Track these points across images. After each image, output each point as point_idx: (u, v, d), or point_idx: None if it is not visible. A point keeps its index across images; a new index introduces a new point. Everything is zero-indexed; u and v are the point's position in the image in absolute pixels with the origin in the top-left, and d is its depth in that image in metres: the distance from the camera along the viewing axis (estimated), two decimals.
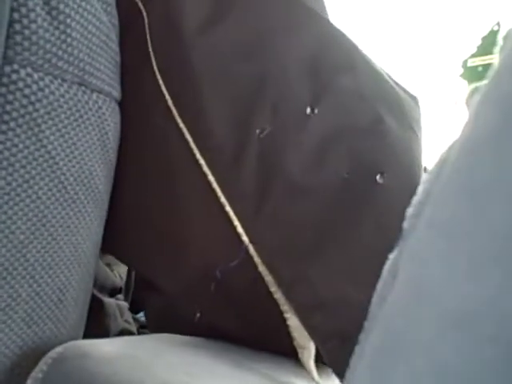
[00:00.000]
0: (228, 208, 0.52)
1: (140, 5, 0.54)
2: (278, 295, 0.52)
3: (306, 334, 0.52)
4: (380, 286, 0.27)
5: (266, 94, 0.54)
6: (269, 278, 0.52)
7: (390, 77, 0.66)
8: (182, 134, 0.52)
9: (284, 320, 0.53)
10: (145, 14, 0.53)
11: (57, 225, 0.47)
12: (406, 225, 0.26)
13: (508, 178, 0.19)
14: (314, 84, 0.56)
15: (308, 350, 0.53)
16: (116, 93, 0.51)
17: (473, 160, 0.20)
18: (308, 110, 0.54)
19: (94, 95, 0.48)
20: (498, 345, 0.17)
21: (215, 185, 0.52)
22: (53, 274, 0.47)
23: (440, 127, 1.57)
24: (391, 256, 0.27)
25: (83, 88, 0.47)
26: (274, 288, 0.52)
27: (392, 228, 0.59)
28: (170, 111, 0.52)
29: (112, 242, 0.56)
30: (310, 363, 0.53)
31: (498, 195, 0.19)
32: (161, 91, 0.53)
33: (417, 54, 1.60)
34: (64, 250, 0.48)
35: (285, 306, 0.52)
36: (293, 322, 0.53)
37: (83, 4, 0.46)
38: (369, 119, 0.57)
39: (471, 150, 0.20)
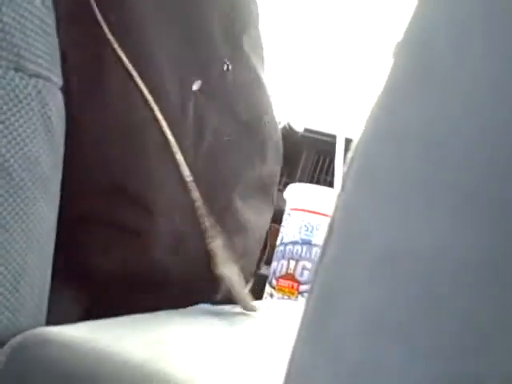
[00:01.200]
0: (178, 156, 0.61)
1: None
2: (205, 225, 0.64)
3: (225, 252, 0.65)
4: (323, 241, 0.28)
5: (197, 51, 0.65)
6: (201, 211, 0.63)
7: None
8: (143, 94, 0.59)
9: (206, 244, 0.65)
10: None
11: (4, 213, 0.46)
12: (339, 184, 0.26)
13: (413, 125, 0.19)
14: (227, 43, 0.69)
15: (227, 263, 0.66)
16: (56, 78, 0.51)
17: (393, 104, 0.20)
18: (225, 67, 0.67)
19: (33, 80, 0.47)
20: (421, 281, 0.17)
21: (170, 137, 0.61)
22: (5, 263, 0.47)
23: None
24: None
25: (20, 74, 0.46)
26: (203, 219, 0.64)
27: (268, 164, 0.78)
28: (130, 75, 0.59)
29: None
30: (235, 269, 0.67)
31: (413, 137, 0.19)
32: (118, 56, 0.59)
33: (367, 32, 1.62)
34: (15, 237, 0.48)
35: (211, 232, 0.64)
36: (214, 244, 0.65)
37: None
38: (255, 79, 0.75)
39: (389, 93, 0.21)
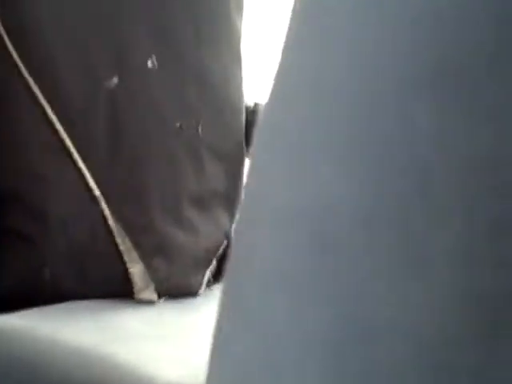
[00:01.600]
0: (81, 164, 0.54)
1: None
2: (124, 247, 0.57)
3: (145, 276, 0.59)
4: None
5: (110, 43, 0.56)
6: (116, 230, 0.57)
7: None
8: (30, 88, 0.52)
9: (126, 268, 0.58)
10: None
11: None
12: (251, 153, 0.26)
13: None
14: (155, 36, 0.60)
15: (148, 290, 0.59)
16: None
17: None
18: (149, 64, 0.58)
19: None
20: (322, 239, 0.17)
21: (67, 141, 0.53)
22: None
23: None
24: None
25: None
26: (120, 239, 0.57)
27: (210, 178, 0.67)
28: (17, 67, 0.52)
29: None
30: (154, 296, 0.60)
31: (304, 84, 0.19)
32: (6, 47, 0.52)
33: None
34: None
35: (130, 255, 0.58)
36: (135, 269, 0.58)
37: None
38: (194, 73, 0.65)
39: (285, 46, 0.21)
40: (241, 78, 0.74)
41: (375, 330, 0.15)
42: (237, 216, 0.25)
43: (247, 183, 0.24)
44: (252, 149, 0.25)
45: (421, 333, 0.15)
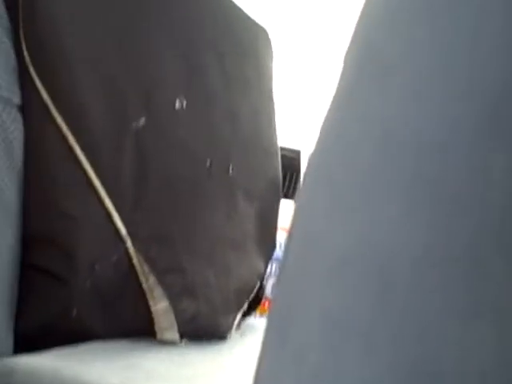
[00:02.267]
0: (108, 203, 0.54)
1: None
2: (147, 285, 0.56)
3: (169, 316, 0.57)
4: (283, 250, 0.27)
5: (139, 82, 0.56)
6: (141, 268, 0.56)
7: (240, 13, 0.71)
8: (58, 126, 0.52)
9: (148, 307, 0.57)
10: (20, 3, 0.51)
11: None
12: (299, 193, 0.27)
13: (365, 105, 0.19)
14: (183, 75, 0.60)
15: (171, 330, 0.58)
16: (16, 98, 0.50)
17: (342, 107, 0.21)
18: (177, 104, 0.58)
19: None
20: (376, 280, 0.17)
21: (95, 180, 0.53)
22: None
23: None
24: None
25: None
26: (143, 278, 0.56)
27: (243, 220, 0.67)
28: (46, 105, 0.52)
29: None
30: (176, 336, 0.59)
31: (366, 137, 0.19)
32: (35, 85, 0.51)
33: (338, 48, 1.63)
34: None
35: (153, 293, 0.57)
36: (158, 307, 0.57)
37: None
38: (224, 113, 0.65)
39: (339, 97, 0.21)
40: (273, 118, 0.74)
41: (443, 372, 0.15)
42: (283, 260, 0.24)
43: (296, 226, 0.24)
44: (302, 192, 0.25)
45: (490, 376, 0.15)
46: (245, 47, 0.70)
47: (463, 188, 0.15)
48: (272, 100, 0.75)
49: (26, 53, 0.51)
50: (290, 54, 1.68)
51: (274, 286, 1.14)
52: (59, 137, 0.52)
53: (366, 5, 0.21)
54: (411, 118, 0.17)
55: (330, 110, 0.22)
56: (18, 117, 0.50)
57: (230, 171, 0.64)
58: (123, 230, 0.55)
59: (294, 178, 1.60)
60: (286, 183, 1.62)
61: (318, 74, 1.72)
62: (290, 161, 1.56)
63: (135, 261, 0.56)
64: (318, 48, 1.68)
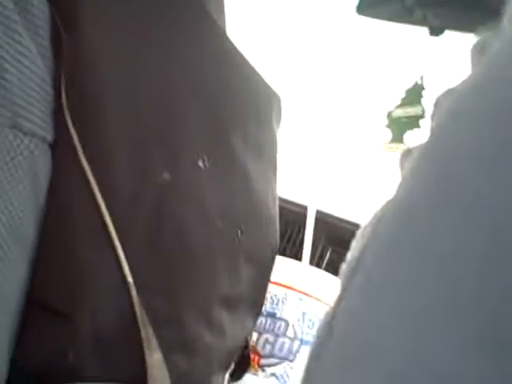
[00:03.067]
0: (120, 251, 0.54)
1: (62, 35, 0.52)
2: (145, 334, 0.56)
3: (162, 369, 0.57)
4: (315, 343, 0.27)
5: (165, 138, 0.58)
6: (141, 318, 0.56)
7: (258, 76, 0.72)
8: (84, 174, 0.53)
9: (143, 356, 0.57)
10: (64, 46, 0.52)
11: None
12: (341, 281, 0.26)
13: (440, 243, 0.19)
14: (208, 136, 0.62)
15: (163, 382, 0.58)
16: (50, 136, 0.51)
17: (408, 224, 0.21)
18: (200, 163, 0.60)
19: (27, 139, 0.47)
20: None
21: (111, 227, 0.54)
22: None
23: (364, 175, 1.62)
24: (325, 313, 0.28)
25: (15, 131, 0.46)
26: (143, 327, 0.56)
27: (242, 281, 0.67)
28: (74, 148, 0.52)
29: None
30: None
31: (431, 259, 0.19)
32: (67, 127, 0.52)
33: (344, 105, 1.66)
34: None
35: (150, 344, 0.57)
36: (153, 358, 0.57)
37: (20, 48, 0.45)
38: (241, 179, 0.66)
39: (406, 214, 0.21)
40: (275, 187, 0.76)
41: None
42: (323, 355, 0.24)
43: (341, 327, 0.24)
44: (347, 292, 0.25)
45: None
46: (262, 116, 0.72)
47: None
48: (276, 170, 0.77)
49: (63, 94, 0.52)
50: (300, 111, 1.70)
51: (267, 343, 1.14)
52: (83, 180, 0.52)
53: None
54: (485, 256, 0.17)
55: (396, 211, 0.22)
56: (49, 154, 0.51)
57: (239, 235, 0.65)
58: (130, 279, 0.55)
59: (296, 233, 1.60)
60: (286, 237, 1.61)
61: (323, 127, 1.73)
62: (295, 215, 1.56)
63: (137, 310, 0.56)
64: (329, 108, 1.70)
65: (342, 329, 0.24)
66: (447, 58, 1.44)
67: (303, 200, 1.54)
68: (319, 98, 1.65)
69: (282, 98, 0.78)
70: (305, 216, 1.42)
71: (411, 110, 1.32)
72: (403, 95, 1.36)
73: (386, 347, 0.19)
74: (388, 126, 1.36)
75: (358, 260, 0.25)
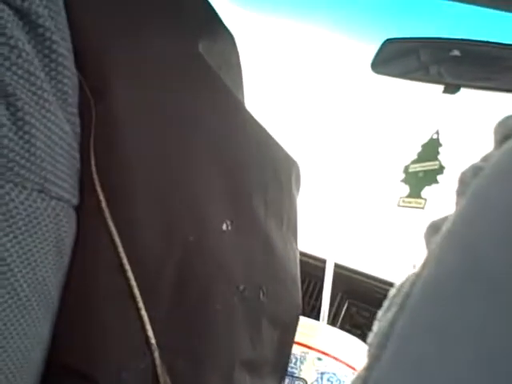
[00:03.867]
0: (143, 312, 0.55)
1: (92, 103, 0.54)
2: None
3: None
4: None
5: (190, 205, 0.58)
6: (163, 380, 0.56)
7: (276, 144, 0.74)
8: (112, 237, 0.54)
9: None
10: (93, 113, 0.54)
11: (6, 332, 0.45)
12: (369, 354, 0.27)
13: (470, 321, 0.20)
14: (232, 201, 0.63)
15: None
16: (75, 200, 0.52)
17: (437, 301, 0.21)
18: (224, 227, 0.61)
19: (53, 202, 0.48)
20: None
21: (135, 290, 0.54)
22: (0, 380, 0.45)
23: (382, 230, 1.62)
24: (353, 381, 0.28)
25: (43, 195, 0.47)
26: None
27: (264, 344, 0.67)
28: (102, 212, 0.54)
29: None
30: None
31: (461, 336, 0.20)
32: (95, 190, 0.54)
33: (362, 160, 1.67)
34: (12, 357, 0.47)
35: None
36: None
37: (48, 115, 0.47)
38: (262, 241, 0.67)
39: (435, 290, 0.21)
40: (296, 249, 0.77)
41: None
42: None
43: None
44: (380, 358, 0.25)
45: None
46: (282, 180, 0.73)
47: None
48: (296, 235, 0.78)
49: (92, 157, 0.53)
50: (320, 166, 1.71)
51: None
52: (109, 244, 0.53)
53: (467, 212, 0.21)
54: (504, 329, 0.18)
55: (426, 288, 0.22)
56: (74, 217, 0.52)
57: (261, 297, 0.66)
58: (153, 341, 0.55)
59: (313, 286, 1.59)
60: (303, 291, 1.61)
61: (342, 182, 1.74)
62: (313, 269, 1.56)
63: (159, 371, 0.56)
64: (347, 163, 1.72)
65: None
66: (463, 113, 1.46)
67: (322, 253, 1.54)
68: (338, 153, 1.66)
69: (300, 165, 0.80)
70: (323, 269, 1.41)
71: (428, 165, 1.33)
72: (419, 149, 1.37)
73: None
74: (405, 181, 1.37)
75: (386, 334, 0.25)
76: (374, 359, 0.26)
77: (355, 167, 1.67)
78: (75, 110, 0.52)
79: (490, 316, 0.19)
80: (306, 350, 1.08)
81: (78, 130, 0.52)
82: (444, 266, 0.22)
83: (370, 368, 0.26)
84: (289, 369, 1.10)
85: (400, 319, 0.24)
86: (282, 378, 0.76)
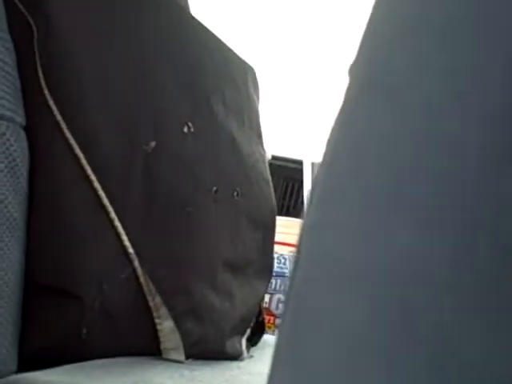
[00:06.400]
0: (117, 223, 0.55)
1: (29, 19, 0.52)
2: (153, 303, 0.57)
3: (175, 336, 0.58)
4: (292, 265, 0.27)
5: (148, 107, 0.59)
6: (147, 288, 0.57)
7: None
8: (72, 150, 0.53)
9: (154, 325, 0.58)
10: (34, 28, 0.52)
11: None
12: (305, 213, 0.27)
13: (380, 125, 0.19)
14: (190, 103, 0.63)
15: (177, 351, 0.59)
16: (19, 118, 0.50)
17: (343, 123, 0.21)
18: (185, 129, 0.61)
19: None
20: (394, 296, 0.17)
21: (105, 200, 0.54)
22: None
23: None
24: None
25: None
26: (150, 297, 0.57)
27: (246, 245, 0.69)
28: (59, 126, 0.53)
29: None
30: (182, 357, 0.59)
31: (371, 152, 0.19)
32: (49, 106, 0.52)
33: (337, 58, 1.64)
34: None
35: (159, 312, 0.58)
36: (163, 326, 0.58)
37: None
38: (227, 141, 0.68)
39: (346, 110, 0.21)
40: (263, 150, 0.78)
41: None
42: (292, 277, 0.24)
43: (305, 239, 0.24)
44: (312, 209, 0.25)
45: None
46: (238, 83, 0.73)
47: (475, 214, 0.16)
48: (260, 132, 0.78)
49: (40, 74, 0.52)
50: (293, 64, 1.69)
51: (280, 302, 1.14)
52: (71, 157, 0.53)
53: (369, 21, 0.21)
54: (422, 141, 0.17)
55: (336, 124, 0.22)
56: (22, 136, 0.51)
57: (236, 197, 0.66)
58: (131, 250, 0.56)
59: (296, 189, 1.60)
60: (289, 194, 1.62)
61: (318, 83, 1.72)
62: (292, 172, 1.56)
63: (142, 280, 0.57)
64: (319, 59, 1.69)
65: (305, 242, 0.24)
66: None
67: (299, 155, 1.54)
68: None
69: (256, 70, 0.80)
70: (301, 171, 1.42)
71: None
72: None
73: (340, 248, 0.20)
74: None
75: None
76: (308, 209, 0.26)
77: (327, 64, 1.64)
78: (4, 26, 0.50)
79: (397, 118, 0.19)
80: (293, 249, 1.10)
81: (11, 45, 0.50)
82: (352, 84, 0.22)
83: (301, 225, 0.26)
84: (279, 269, 1.12)
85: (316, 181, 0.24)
86: (268, 279, 0.78)
